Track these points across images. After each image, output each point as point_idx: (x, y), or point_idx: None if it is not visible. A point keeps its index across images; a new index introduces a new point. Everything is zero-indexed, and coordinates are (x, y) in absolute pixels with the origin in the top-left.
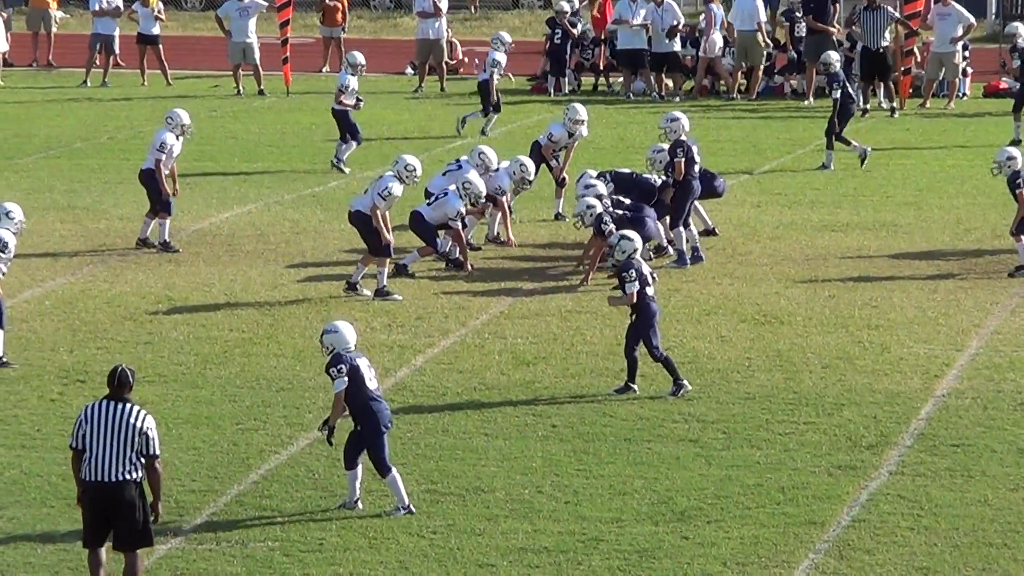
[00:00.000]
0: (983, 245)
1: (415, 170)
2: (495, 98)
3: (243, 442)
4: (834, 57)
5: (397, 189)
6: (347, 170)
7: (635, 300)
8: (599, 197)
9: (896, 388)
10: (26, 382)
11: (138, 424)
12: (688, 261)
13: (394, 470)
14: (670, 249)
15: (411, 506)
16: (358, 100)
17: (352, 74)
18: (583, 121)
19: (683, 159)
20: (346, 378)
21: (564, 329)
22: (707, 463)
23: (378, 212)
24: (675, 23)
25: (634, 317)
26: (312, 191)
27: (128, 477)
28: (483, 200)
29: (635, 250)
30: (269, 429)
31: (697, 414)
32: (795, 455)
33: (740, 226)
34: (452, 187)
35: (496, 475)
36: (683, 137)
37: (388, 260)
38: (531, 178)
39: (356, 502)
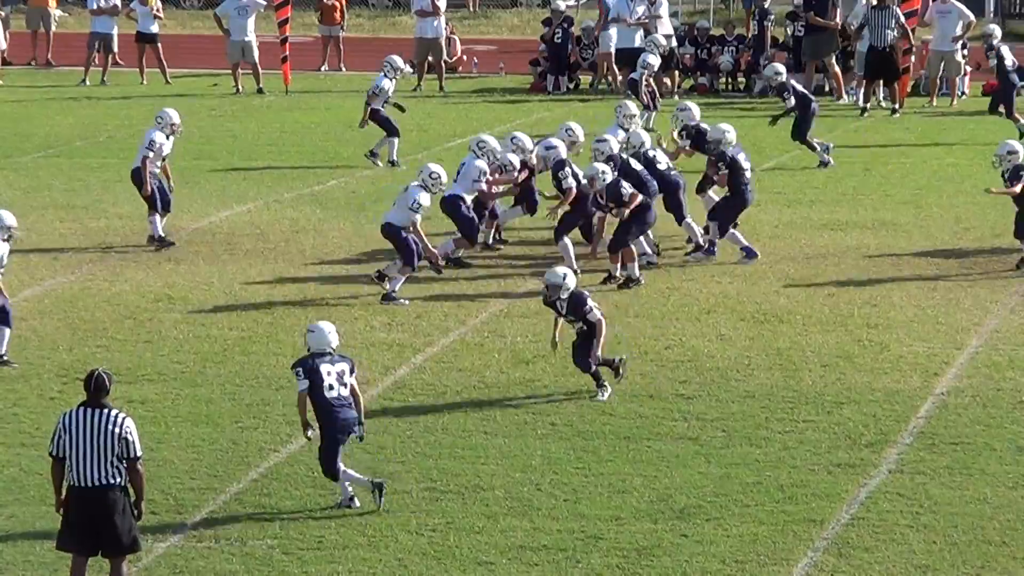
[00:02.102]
0: (983, 244)
1: (440, 178)
2: (645, 99)
3: (242, 440)
4: (779, 68)
5: (425, 199)
6: (403, 166)
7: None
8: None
9: (895, 386)
10: (25, 380)
11: (117, 430)
12: (715, 252)
13: (344, 472)
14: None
15: (355, 499)
16: (397, 105)
17: (388, 77)
18: (578, 142)
19: (727, 171)
20: (306, 380)
21: (561, 327)
22: (706, 461)
23: (415, 226)
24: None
25: (583, 328)
26: (311, 190)
27: (112, 482)
28: (500, 159)
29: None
30: (268, 427)
31: (696, 412)
32: (794, 453)
33: (740, 225)
34: (469, 154)
35: (495, 473)
36: (726, 148)
37: (410, 270)
38: (581, 140)
39: (351, 500)
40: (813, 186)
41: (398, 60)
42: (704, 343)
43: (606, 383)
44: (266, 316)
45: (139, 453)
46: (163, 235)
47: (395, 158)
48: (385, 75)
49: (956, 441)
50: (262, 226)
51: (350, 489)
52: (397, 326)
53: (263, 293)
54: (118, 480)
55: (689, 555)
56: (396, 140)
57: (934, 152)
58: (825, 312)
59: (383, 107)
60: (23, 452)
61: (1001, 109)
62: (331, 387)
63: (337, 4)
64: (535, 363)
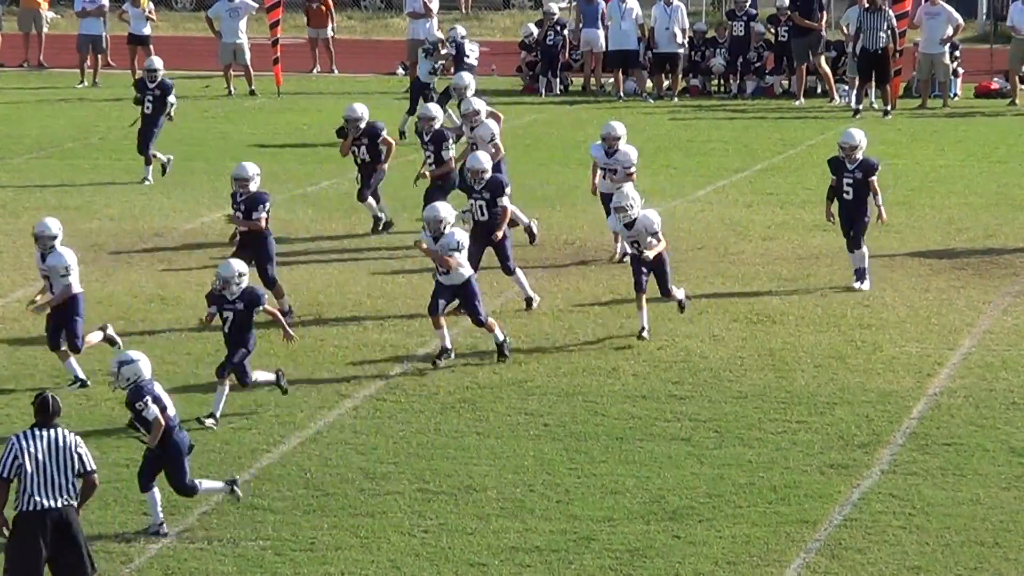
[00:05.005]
0: (975, 245)
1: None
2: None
3: (235, 441)
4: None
5: None
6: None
7: None
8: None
9: (888, 387)
10: (18, 381)
11: (71, 446)
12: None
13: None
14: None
15: (164, 525)
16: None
17: None
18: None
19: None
20: (155, 406)
21: (556, 328)
22: (699, 462)
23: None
24: (683, 28)
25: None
26: (303, 191)
27: (71, 503)
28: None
29: None
30: (261, 428)
31: (689, 413)
32: (787, 454)
33: (732, 226)
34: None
35: (488, 474)
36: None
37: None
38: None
39: (161, 525)
40: (806, 187)
41: None
42: (697, 343)
43: None
44: (258, 317)
45: (94, 465)
46: None
47: None
48: None
49: (949, 442)
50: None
51: (161, 513)
52: (389, 326)
53: None
54: (73, 501)
55: (682, 556)
56: None
57: (926, 154)
58: (818, 313)
59: None
60: None
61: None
62: (170, 407)
63: (322, 8)
64: (528, 364)
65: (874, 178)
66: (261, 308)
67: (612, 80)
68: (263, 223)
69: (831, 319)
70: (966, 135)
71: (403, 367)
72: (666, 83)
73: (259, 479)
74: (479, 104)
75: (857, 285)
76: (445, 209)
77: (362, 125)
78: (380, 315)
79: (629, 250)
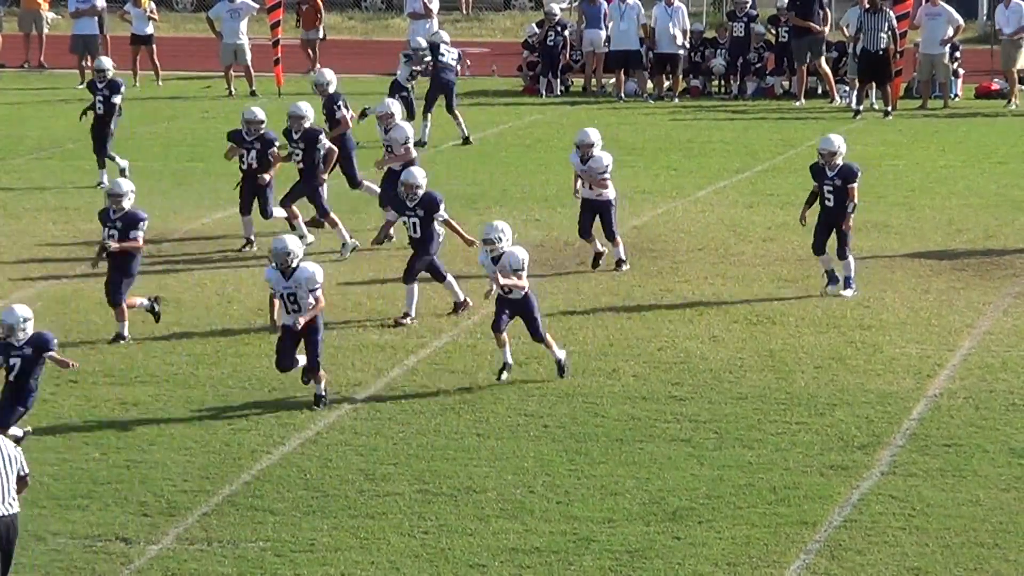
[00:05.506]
0: (975, 245)
1: None
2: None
3: (235, 442)
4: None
5: None
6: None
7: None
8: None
9: (888, 388)
10: None
11: (11, 451)
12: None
13: None
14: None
15: None
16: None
17: None
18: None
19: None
20: None
21: (556, 329)
22: (699, 463)
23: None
24: (684, 28)
25: None
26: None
27: (15, 510)
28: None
29: None
30: (261, 429)
31: (689, 414)
32: (787, 455)
33: (732, 227)
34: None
35: (488, 475)
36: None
37: None
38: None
39: None
40: (806, 188)
41: None
42: (697, 344)
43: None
44: (259, 318)
45: (27, 468)
46: None
47: None
48: None
49: (949, 443)
50: (255, 227)
51: None
52: (389, 328)
53: (255, 295)
54: (15, 507)
55: (681, 557)
56: None
57: (926, 154)
58: (818, 314)
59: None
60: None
61: None
62: None
63: (312, 9)
64: (528, 365)
65: (854, 185)
66: (49, 353)
67: (613, 81)
68: (140, 241)
69: (831, 320)
70: (967, 136)
71: (403, 368)
72: (667, 84)
73: (259, 480)
74: (395, 107)
75: (844, 292)
76: (293, 242)
77: (260, 130)
78: (380, 315)
79: (494, 288)
